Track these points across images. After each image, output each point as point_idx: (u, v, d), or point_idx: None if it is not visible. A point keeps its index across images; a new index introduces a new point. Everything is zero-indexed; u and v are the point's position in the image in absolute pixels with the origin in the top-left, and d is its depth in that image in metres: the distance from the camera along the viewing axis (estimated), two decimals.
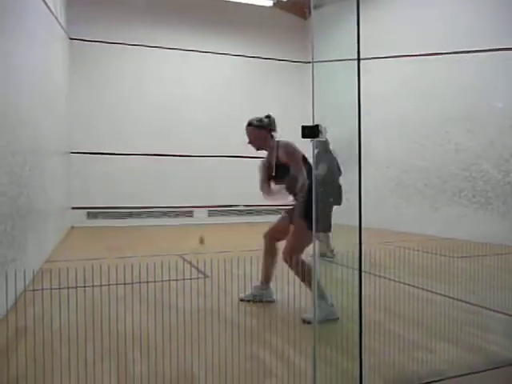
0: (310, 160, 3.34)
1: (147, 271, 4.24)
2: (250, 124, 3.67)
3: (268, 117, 3.66)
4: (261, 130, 3.62)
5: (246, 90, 11.99)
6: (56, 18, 7.66)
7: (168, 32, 11.44)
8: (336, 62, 2.85)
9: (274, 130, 3.67)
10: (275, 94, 11.89)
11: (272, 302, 3.80)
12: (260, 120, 3.64)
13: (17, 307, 3.60)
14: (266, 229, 4.00)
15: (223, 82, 11.86)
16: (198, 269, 5.26)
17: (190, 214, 11.50)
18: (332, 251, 5.90)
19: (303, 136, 2.09)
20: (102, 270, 3.80)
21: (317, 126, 2.05)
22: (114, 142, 10.87)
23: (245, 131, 3.75)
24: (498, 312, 3.53)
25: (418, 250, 6.23)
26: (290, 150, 3.49)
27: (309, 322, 3.16)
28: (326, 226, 3.26)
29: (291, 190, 3.49)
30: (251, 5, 11.53)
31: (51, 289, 3.73)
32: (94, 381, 2.32)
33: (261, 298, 3.81)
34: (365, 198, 2.05)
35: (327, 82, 2.21)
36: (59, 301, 3.44)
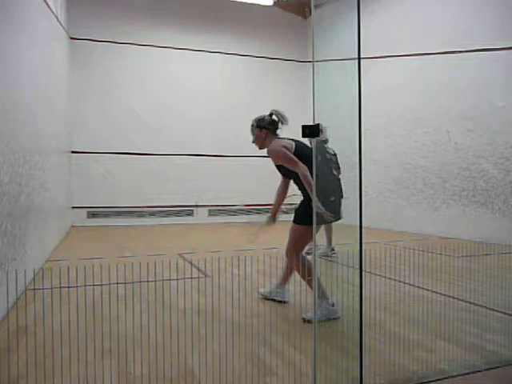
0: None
1: (147, 270, 4.25)
2: (252, 123, 3.67)
3: (270, 115, 3.63)
4: (261, 130, 3.60)
5: (246, 90, 11.98)
6: (56, 18, 7.67)
7: (168, 31, 11.43)
8: (336, 61, 2.85)
9: (276, 129, 3.63)
10: (275, 93, 11.87)
11: (284, 302, 3.79)
12: (260, 119, 3.62)
13: (17, 306, 3.60)
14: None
15: (223, 81, 11.85)
16: (198, 268, 5.26)
17: (190, 213, 11.50)
18: (333, 250, 5.90)
19: (303, 135, 2.09)
20: (103, 269, 3.81)
21: (317, 125, 2.04)
22: (115, 141, 10.87)
23: (249, 130, 3.73)
24: (497, 311, 3.53)
25: (418, 250, 6.23)
26: (276, 154, 3.44)
27: (309, 322, 3.17)
28: (324, 219, 3.24)
29: (299, 186, 3.49)
30: (251, 4, 11.52)
31: (52, 288, 3.74)
32: (94, 380, 2.32)
33: (274, 297, 3.82)
34: (365, 197, 2.06)
35: (327, 82, 2.21)
36: (60, 300, 3.45)
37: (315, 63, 2.18)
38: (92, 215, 10.69)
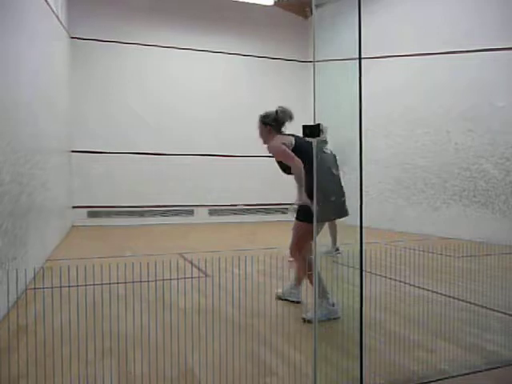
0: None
1: (148, 270, 4.24)
2: (259, 118, 3.69)
3: (276, 112, 3.64)
4: (265, 126, 3.62)
5: (246, 89, 11.98)
6: (57, 17, 7.67)
7: (169, 31, 11.43)
8: (337, 61, 2.85)
9: (280, 126, 3.63)
10: (276, 93, 11.86)
11: (298, 302, 3.79)
12: (266, 115, 3.64)
13: (18, 305, 3.61)
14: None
15: (224, 80, 11.85)
16: (198, 268, 5.26)
17: (190, 212, 11.50)
18: (337, 249, 5.88)
19: (304, 135, 2.09)
20: (103, 268, 3.81)
21: (318, 125, 2.04)
22: (115, 141, 10.87)
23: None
24: (498, 312, 3.53)
25: (419, 250, 6.23)
26: (275, 151, 3.48)
27: (309, 322, 3.17)
28: (326, 216, 3.25)
29: (298, 182, 3.50)
30: (252, 4, 11.52)
31: (52, 287, 3.74)
32: (94, 380, 2.32)
33: (287, 298, 3.82)
34: (365, 197, 2.06)
35: (328, 81, 2.21)
36: (60, 299, 3.45)
37: (316, 63, 2.18)
38: (92, 215, 10.69)
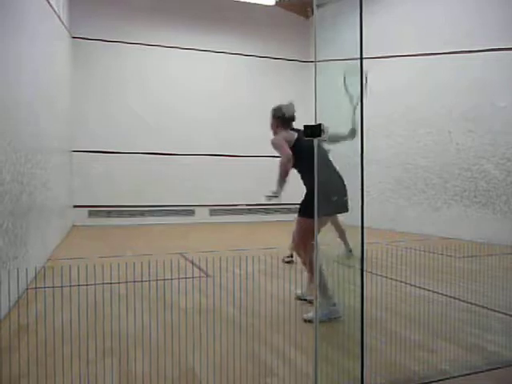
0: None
1: (149, 270, 4.25)
2: (271, 110, 3.72)
3: (287, 106, 3.66)
4: (274, 118, 3.64)
5: (247, 90, 11.98)
6: (58, 17, 7.67)
7: (169, 30, 11.44)
8: (338, 62, 2.84)
9: (286, 122, 3.63)
10: (277, 93, 11.84)
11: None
12: (276, 109, 3.66)
13: (19, 305, 3.61)
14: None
15: (224, 81, 11.85)
16: (199, 268, 5.27)
17: (191, 212, 11.51)
18: (350, 251, 5.70)
19: (305, 135, 2.09)
20: (104, 268, 3.82)
21: (319, 125, 2.04)
22: (116, 141, 10.88)
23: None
24: (499, 312, 3.53)
25: (420, 250, 6.23)
26: (273, 144, 3.53)
27: (310, 322, 3.17)
28: (327, 211, 3.24)
29: (303, 180, 3.51)
30: (253, 4, 11.52)
31: (53, 287, 3.74)
32: (95, 379, 2.33)
33: (306, 297, 3.81)
34: (366, 197, 2.05)
35: (329, 81, 2.21)
36: (61, 299, 3.45)
37: (317, 63, 2.17)
38: (93, 214, 10.70)
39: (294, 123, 3.66)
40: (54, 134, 7.01)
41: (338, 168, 3.44)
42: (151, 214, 11.16)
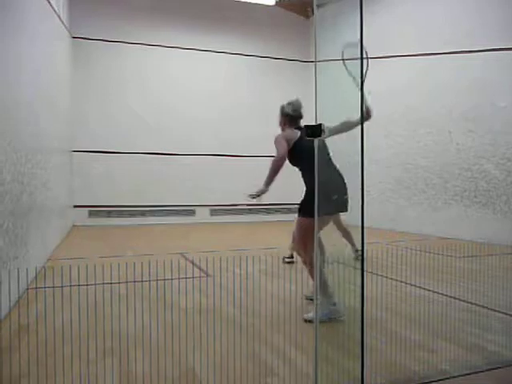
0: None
1: (149, 270, 4.25)
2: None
3: (294, 103, 3.66)
4: (282, 116, 3.65)
5: (247, 89, 11.98)
6: (59, 17, 7.68)
7: (170, 30, 11.44)
8: (338, 61, 2.84)
9: (293, 120, 3.62)
10: (277, 93, 11.84)
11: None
12: (284, 106, 3.66)
13: (19, 305, 3.61)
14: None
15: (225, 80, 11.85)
16: (199, 268, 5.27)
17: (191, 212, 11.51)
18: (357, 251, 5.58)
19: (306, 135, 2.09)
20: (104, 268, 3.82)
21: (319, 125, 2.04)
22: (116, 141, 10.89)
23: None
24: (499, 312, 3.53)
25: (420, 250, 6.23)
26: (274, 143, 3.54)
27: (310, 322, 3.17)
28: (328, 210, 3.23)
29: (304, 179, 3.52)
30: (253, 4, 11.52)
31: (53, 287, 3.75)
32: (95, 379, 2.33)
33: (312, 297, 3.81)
34: (366, 197, 2.05)
35: (330, 81, 2.21)
36: (61, 299, 3.45)
37: (317, 63, 2.17)
38: (93, 214, 10.70)
39: (301, 121, 3.66)
40: (54, 134, 7.01)
41: (338, 166, 3.44)
42: (151, 214, 11.16)
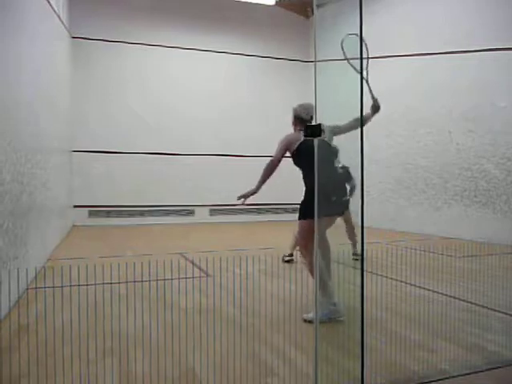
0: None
1: (149, 270, 4.25)
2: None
3: (306, 107, 3.66)
4: (295, 118, 3.67)
5: (247, 89, 11.98)
6: (58, 17, 7.67)
7: (170, 30, 11.44)
8: (338, 61, 2.84)
9: (305, 122, 3.58)
10: (277, 93, 11.86)
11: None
12: (296, 109, 3.67)
13: (19, 305, 3.61)
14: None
15: (225, 80, 11.85)
16: (199, 267, 5.27)
17: (191, 212, 11.51)
18: (355, 254, 5.53)
19: (306, 135, 2.08)
20: (104, 268, 3.81)
21: (319, 125, 2.04)
22: (116, 141, 10.89)
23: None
24: (499, 312, 3.53)
25: (420, 250, 6.23)
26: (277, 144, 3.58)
27: (310, 322, 3.17)
28: (328, 210, 3.23)
29: (304, 180, 3.52)
30: (254, 4, 11.52)
31: (53, 287, 3.74)
32: (95, 379, 2.33)
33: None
34: (366, 197, 2.05)
35: (329, 81, 2.21)
36: (61, 299, 3.45)
37: (317, 63, 2.17)
38: (93, 214, 10.70)
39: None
40: (54, 134, 7.01)
41: (340, 165, 3.44)
42: (151, 213, 11.16)
